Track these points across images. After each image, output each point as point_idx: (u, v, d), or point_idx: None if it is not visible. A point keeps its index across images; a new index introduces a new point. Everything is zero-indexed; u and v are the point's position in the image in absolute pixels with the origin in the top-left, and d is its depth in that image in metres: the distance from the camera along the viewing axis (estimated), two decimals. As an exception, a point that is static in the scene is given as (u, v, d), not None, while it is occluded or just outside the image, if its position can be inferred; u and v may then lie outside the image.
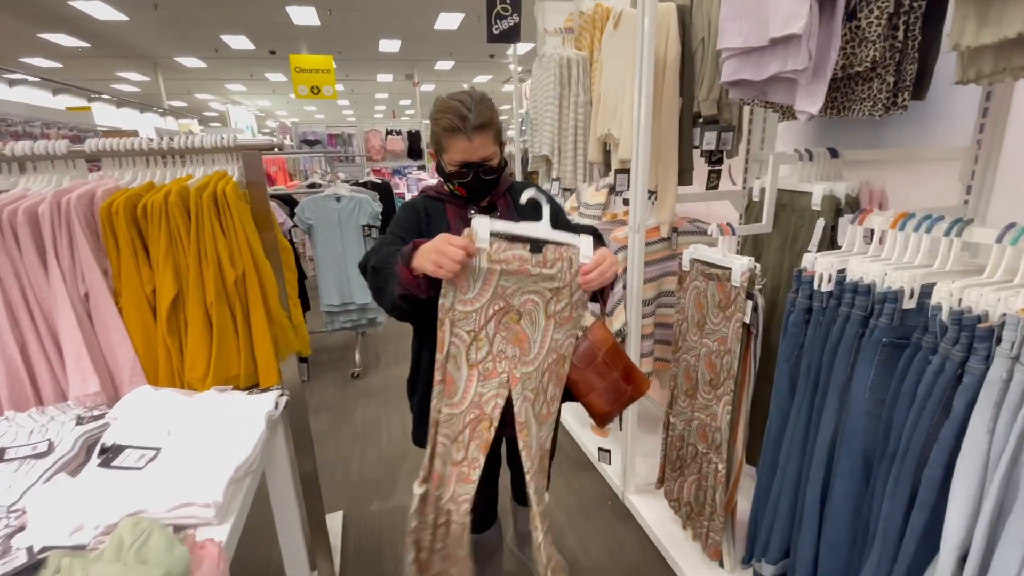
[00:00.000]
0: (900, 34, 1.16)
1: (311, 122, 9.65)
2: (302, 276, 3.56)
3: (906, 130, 1.45)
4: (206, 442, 1.01)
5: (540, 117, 2.59)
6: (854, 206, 1.39)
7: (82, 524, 0.79)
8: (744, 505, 1.71)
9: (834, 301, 1.08)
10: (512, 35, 2.71)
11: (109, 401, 1.18)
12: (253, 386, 1.32)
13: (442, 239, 1.01)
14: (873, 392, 1.00)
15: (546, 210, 1.10)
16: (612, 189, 2.27)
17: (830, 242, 1.40)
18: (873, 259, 1.07)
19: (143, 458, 0.98)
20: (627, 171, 1.92)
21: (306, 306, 3.63)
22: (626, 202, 2.05)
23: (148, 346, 1.22)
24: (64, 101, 9.00)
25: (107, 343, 1.19)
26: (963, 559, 0.85)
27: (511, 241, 1.06)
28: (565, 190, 2.60)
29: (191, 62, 10.96)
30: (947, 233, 0.97)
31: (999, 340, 0.79)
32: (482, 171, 1.19)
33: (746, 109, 1.94)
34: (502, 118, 1.40)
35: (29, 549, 0.74)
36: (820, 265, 1.10)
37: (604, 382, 1.20)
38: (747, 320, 1.39)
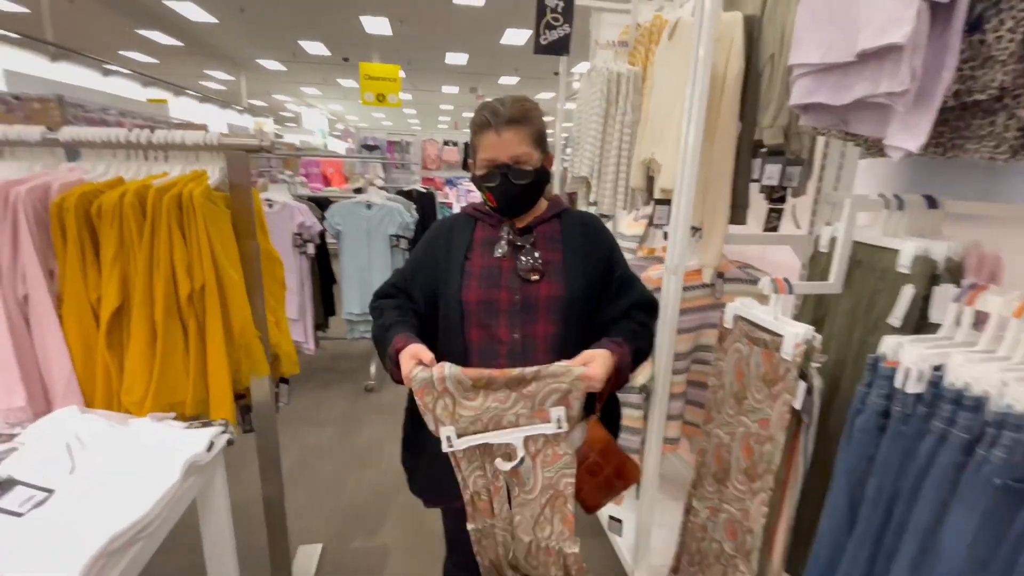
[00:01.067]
0: (1044, 53, 0.85)
1: (376, 128, 9.91)
2: (332, 280, 3.49)
3: (1034, 179, 1.11)
4: (104, 490, 0.85)
5: (582, 135, 2.37)
6: (956, 273, 1.07)
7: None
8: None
9: (923, 409, 0.78)
10: (561, 47, 2.51)
11: (36, 416, 1.05)
12: (201, 415, 1.16)
13: (404, 359, 0.98)
14: (974, 550, 0.70)
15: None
16: (651, 220, 2.00)
17: (919, 317, 1.08)
18: (986, 356, 0.77)
19: (29, 501, 0.83)
20: (668, 202, 1.66)
21: (331, 311, 3.57)
22: (666, 236, 1.78)
23: (88, 360, 1.09)
24: (152, 94, 9.70)
25: (43, 353, 1.07)
26: None
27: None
28: (602, 216, 2.35)
29: (271, 64, 11.57)
30: (1111, 336, 0.66)
31: None
32: (513, 173, 1.04)
33: (820, 140, 1.63)
34: (549, 131, 1.23)
35: None
36: (908, 356, 0.80)
37: (595, 480, 1.08)
38: (798, 406, 1.09)
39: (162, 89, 10.05)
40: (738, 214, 1.64)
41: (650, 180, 1.99)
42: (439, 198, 5.68)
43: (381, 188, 3.45)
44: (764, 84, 1.56)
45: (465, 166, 8.10)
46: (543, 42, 2.45)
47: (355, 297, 3.19)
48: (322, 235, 3.36)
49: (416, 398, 0.99)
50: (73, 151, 1.25)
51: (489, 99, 1.09)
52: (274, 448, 1.52)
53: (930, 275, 1.08)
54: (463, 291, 1.10)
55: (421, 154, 8.66)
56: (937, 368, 0.78)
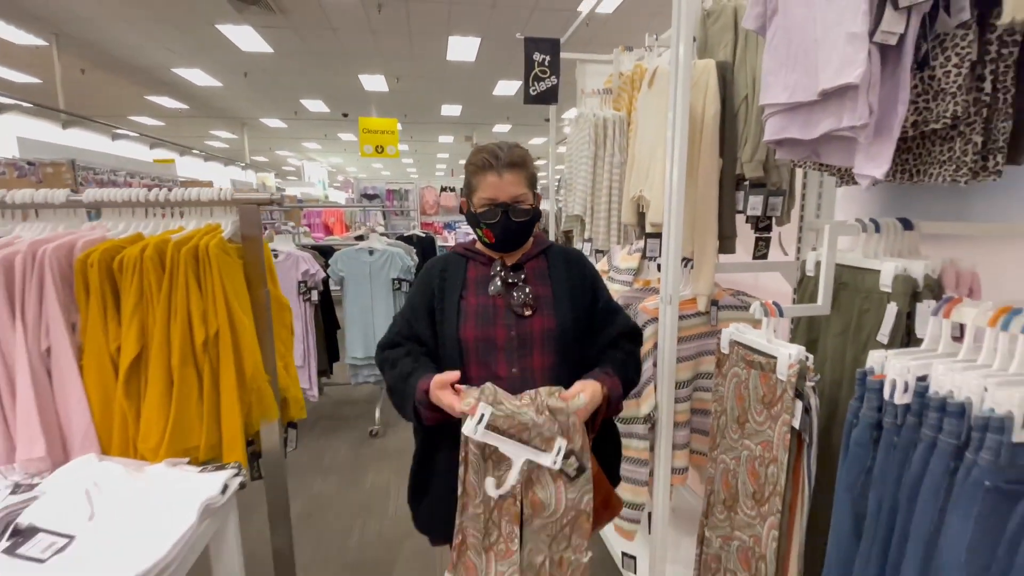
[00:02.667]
0: (987, 85, 0.94)
1: (375, 178, 10.21)
2: (336, 327, 3.53)
3: (1004, 199, 1.18)
4: (123, 535, 0.87)
5: (574, 177, 2.48)
6: (935, 290, 1.13)
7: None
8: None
9: (912, 418, 0.81)
10: (549, 97, 2.67)
11: (55, 465, 1.08)
12: (214, 459, 1.19)
13: (434, 387, 1.03)
14: (973, 554, 0.71)
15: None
16: (644, 253, 2.07)
17: (905, 333, 1.13)
18: (966, 365, 0.81)
19: (51, 548, 0.85)
20: (658, 235, 1.73)
21: (335, 357, 3.59)
22: (660, 268, 1.85)
23: (106, 409, 1.13)
24: (158, 154, 10.06)
25: (63, 403, 1.11)
26: None
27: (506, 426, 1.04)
28: (597, 251, 2.43)
29: (273, 123, 12.05)
30: (1076, 339, 0.70)
31: None
32: (512, 212, 1.11)
33: (799, 171, 1.72)
34: (541, 175, 1.33)
35: None
36: (893, 369, 0.84)
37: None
38: (796, 425, 1.12)
39: (168, 149, 10.44)
40: (726, 244, 1.71)
41: (641, 215, 2.08)
42: (438, 241, 5.81)
43: (382, 234, 3.55)
44: (741, 123, 1.67)
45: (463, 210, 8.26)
46: (533, 93, 2.60)
47: (359, 342, 3.22)
48: (325, 282, 3.44)
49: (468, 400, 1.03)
50: (94, 210, 1.33)
51: (486, 143, 1.17)
52: (283, 495, 1.52)
53: (911, 292, 1.13)
54: (460, 330, 1.15)
55: (420, 201, 8.88)
56: (922, 379, 0.82)
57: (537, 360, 1.12)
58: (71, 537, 0.87)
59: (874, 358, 0.91)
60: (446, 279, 1.19)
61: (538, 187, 1.19)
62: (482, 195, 1.12)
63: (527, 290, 1.14)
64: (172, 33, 6.57)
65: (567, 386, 1.09)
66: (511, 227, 1.13)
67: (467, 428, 1.00)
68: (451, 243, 8.66)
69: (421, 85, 9.14)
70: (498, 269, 1.17)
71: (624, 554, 1.89)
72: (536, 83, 2.58)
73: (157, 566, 0.81)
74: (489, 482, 1.06)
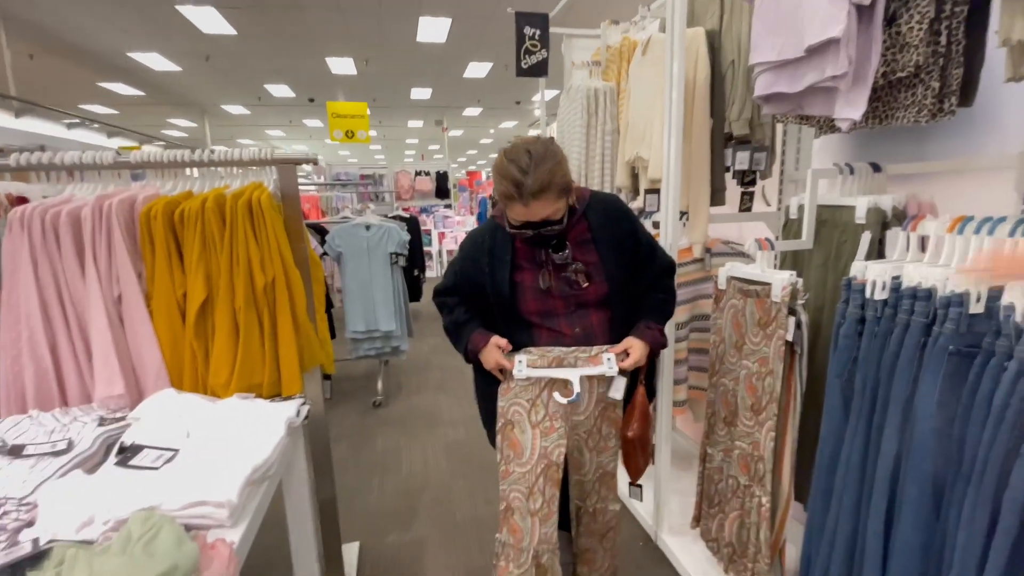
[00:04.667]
0: (943, 39, 1.13)
1: (344, 165, 10.05)
2: (329, 305, 3.59)
3: (953, 140, 1.39)
4: (224, 445, 0.98)
5: (568, 146, 2.61)
6: (901, 218, 1.33)
7: (92, 518, 0.76)
8: (793, 548, 1.57)
9: (890, 310, 1.00)
10: (540, 69, 2.78)
11: (132, 404, 1.17)
12: (276, 395, 1.29)
13: (490, 359, 1.27)
14: (941, 408, 0.91)
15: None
16: (641, 212, 2.23)
17: (877, 256, 1.32)
18: (931, 264, 1.00)
19: (160, 458, 0.95)
20: (657, 191, 1.90)
21: (332, 334, 3.65)
22: (655, 224, 2.01)
23: (175, 350, 1.22)
24: (118, 143, 9.64)
25: (135, 346, 1.19)
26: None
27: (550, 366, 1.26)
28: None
29: (236, 109, 11.66)
30: (1012, 233, 0.90)
31: (1090, 340, 0.71)
32: (544, 228, 1.18)
33: (779, 129, 1.91)
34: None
35: (35, 541, 0.70)
36: (872, 272, 1.03)
37: (645, 449, 1.39)
38: (790, 338, 1.30)
39: (127, 139, 10.01)
40: (717, 196, 1.89)
41: (634, 178, 2.24)
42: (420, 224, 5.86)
43: (374, 212, 3.62)
44: (728, 85, 1.84)
45: (442, 194, 8.33)
46: (524, 66, 2.71)
47: (359, 315, 3.30)
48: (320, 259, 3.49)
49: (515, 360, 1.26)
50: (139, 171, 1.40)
51: (505, 153, 1.14)
52: (324, 443, 1.63)
53: (881, 222, 1.33)
54: (520, 304, 1.28)
55: (394, 185, 8.84)
56: (896, 278, 1.01)
57: (595, 318, 1.29)
58: (176, 450, 0.97)
59: (856, 268, 1.10)
60: (495, 255, 1.26)
61: (570, 182, 1.19)
62: (514, 217, 1.17)
63: (575, 267, 1.25)
64: (128, 14, 6.29)
65: (623, 330, 1.28)
66: (547, 238, 1.22)
67: (516, 373, 1.23)
68: (428, 226, 8.70)
69: (390, 68, 9.02)
70: (543, 258, 1.25)
71: (631, 484, 2.08)
72: (527, 56, 2.69)
73: (266, 462, 0.92)
74: (556, 395, 1.25)
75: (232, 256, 1.21)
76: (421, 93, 10.94)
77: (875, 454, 1.02)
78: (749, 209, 1.98)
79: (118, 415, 1.11)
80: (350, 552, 2.04)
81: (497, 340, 1.26)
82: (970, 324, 0.88)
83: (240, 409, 1.12)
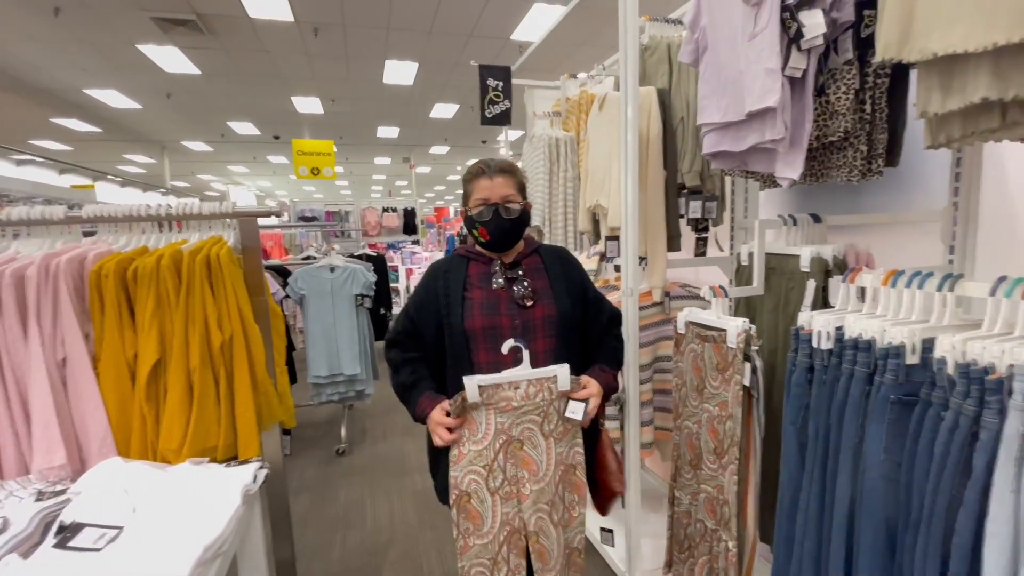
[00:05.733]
0: (868, 107, 1.24)
1: (309, 201, 9.95)
2: (291, 348, 3.49)
3: (885, 195, 1.51)
4: (174, 519, 0.93)
5: (532, 191, 2.69)
6: (842, 267, 1.42)
7: (23, 615, 0.70)
8: (761, 589, 1.58)
9: (835, 359, 1.06)
10: (503, 119, 2.88)
11: (74, 474, 1.10)
12: (231, 458, 1.24)
13: (432, 422, 1.20)
14: (888, 453, 0.95)
15: (526, 354, 1.22)
16: (603, 256, 2.30)
17: (823, 303, 1.40)
18: (869, 316, 1.07)
19: (103, 538, 0.89)
20: (617, 238, 1.96)
21: (293, 379, 3.53)
22: (617, 268, 2.08)
23: (123, 414, 1.16)
24: (70, 180, 9.28)
25: (79, 411, 1.13)
26: (1009, 640, 0.76)
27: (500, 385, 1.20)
28: (557, 259, 2.64)
29: (197, 146, 11.49)
30: (939, 288, 0.97)
31: (1011, 392, 0.76)
32: (503, 210, 1.26)
33: (728, 179, 2.03)
34: None
35: (-44, 646, 0.64)
36: (817, 323, 1.09)
37: (614, 473, 1.39)
38: (747, 383, 1.35)
39: (80, 175, 9.65)
40: (673, 243, 1.97)
41: (595, 223, 2.32)
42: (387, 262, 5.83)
43: (339, 254, 3.59)
44: (679, 140, 1.95)
45: (409, 230, 8.34)
46: (488, 116, 2.81)
47: (322, 360, 3.22)
48: (281, 303, 3.41)
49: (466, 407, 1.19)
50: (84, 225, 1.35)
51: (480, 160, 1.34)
52: (283, 501, 1.57)
53: (824, 271, 1.42)
54: (467, 320, 1.28)
55: (361, 221, 8.78)
56: (839, 328, 1.07)
57: (540, 344, 1.28)
58: (120, 528, 0.91)
59: (802, 318, 1.16)
60: (449, 278, 1.32)
61: (527, 195, 1.35)
62: (476, 197, 1.28)
63: (526, 283, 1.30)
64: (87, 53, 6.20)
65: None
66: (503, 225, 1.28)
67: (469, 396, 1.16)
68: (396, 262, 8.65)
69: (357, 107, 9.13)
70: (498, 267, 1.32)
71: (602, 529, 2.06)
72: (491, 106, 2.79)
73: (219, 539, 0.87)
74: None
75: (188, 314, 1.18)
76: (388, 132, 11.08)
77: (831, 500, 1.06)
78: (703, 254, 2.06)
79: (58, 488, 1.04)
80: (311, 617, 1.92)
81: (443, 406, 1.20)
82: (908, 374, 0.94)
83: (192, 476, 1.07)
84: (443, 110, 9.39)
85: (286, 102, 8.64)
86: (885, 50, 0.97)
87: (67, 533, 0.90)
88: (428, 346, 1.32)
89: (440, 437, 1.18)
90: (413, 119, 9.99)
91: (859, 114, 1.25)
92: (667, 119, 1.95)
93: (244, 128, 10.19)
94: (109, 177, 10.53)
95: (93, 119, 8.89)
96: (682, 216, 2.01)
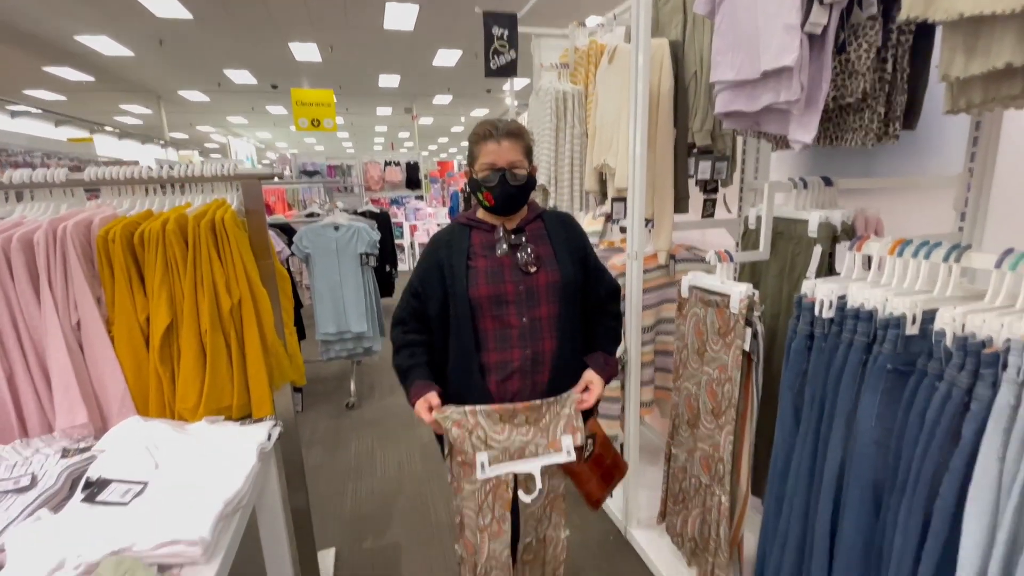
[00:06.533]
0: (889, 66, 1.19)
1: (311, 154, 9.78)
2: (298, 305, 3.54)
3: (899, 159, 1.47)
4: (195, 476, 0.97)
5: (538, 148, 2.63)
6: (850, 233, 1.40)
7: (62, 562, 0.76)
8: (751, 540, 1.66)
9: (836, 328, 1.07)
10: (509, 70, 2.77)
11: (96, 432, 1.15)
12: (246, 417, 1.29)
13: (419, 408, 1.21)
14: (880, 421, 0.98)
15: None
16: (608, 217, 2.28)
17: (828, 269, 1.40)
18: (873, 285, 1.07)
19: (128, 493, 0.94)
20: (624, 199, 1.94)
21: (301, 335, 3.60)
22: (623, 230, 2.06)
23: (139, 376, 1.19)
24: (66, 133, 9.13)
25: (97, 373, 1.16)
26: (981, 595, 0.81)
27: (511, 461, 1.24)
28: (562, 219, 2.62)
29: (194, 96, 11.18)
30: (946, 259, 0.97)
31: (1005, 366, 0.78)
32: (509, 176, 1.24)
33: (740, 139, 1.97)
34: None
35: (4, 591, 0.70)
36: (820, 291, 1.10)
37: (601, 469, 1.38)
38: (747, 348, 1.37)
39: (76, 127, 9.48)
40: (681, 204, 1.95)
41: (602, 183, 2.28)
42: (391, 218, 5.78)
43: (343, 210, 3.56)
44: (691, 96, 1.89)
45: (412, 184, 8.22)
46: (493, 67, 2.70)
47: (329, 317, 3.26)
48: (287, 261, 3.43)
49: (450, 431, 1.21)
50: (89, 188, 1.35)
51: (487, 120, 1.31)
52: (298, 454, 1.63)
53: (832, 236, 1.40)
54: (471, 289, 1.28)
55: (363, 176, 8.66)
56: (841, 297, 1.07)
57: (544, 310, 1.29)
58: (144, 483, 0.96)
59: (806, 286, 1.16)
60: (452, 247, 1.31)
61: (533, 159, 1.33)
62: (483, 161, 1.25)
63: (529, 250, 1.29)
64: (75, -3, 5.94)
65: (569, 331, 1.28)
66: (508, 190, 1.26)
67: (478, 474, 1.21)
68: (400, 219, 8.59)
69: (357, 54, 8.79)
70: (501, 234, 1.31)
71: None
72: (496, 57, 2.68)
73: (238, 494, 0.92)
74: (521, 495, 1.26)
75: (196, 279, 1.19)
76: (389, 81, 10.71)
77: (822, 462, 1.10)
78: (711, 215, 2.04)
79: (82, 446, 1.10)
80: (326, 559, 2.05)
81: (430, 399, 1.23)
82: (906, 344, 0.95)
83: (209, 435, 1.12)
84: (446, 57, 9.04)
85: (283, 49, 8.32)
86: (911, 8, 0.92)
87: (94, 488, 0.95)
88: (433, 318, 1.32)
89: (420, 415, 1.23)
90: (415, 67, 9.63)
91: (879, 73, 1.20)
92: (679, 74, 1.88)
93: (241, 77, 9.88)
94: (106, 129, 10.34)
95: (86, 67, 8.63)
96: (690, 177, 1.97)
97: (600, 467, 1.40)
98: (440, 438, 1.35)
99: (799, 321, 1.15)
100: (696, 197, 2.04)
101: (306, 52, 8.53)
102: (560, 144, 2.52)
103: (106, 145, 10.75)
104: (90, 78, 9.22)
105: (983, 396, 0.80)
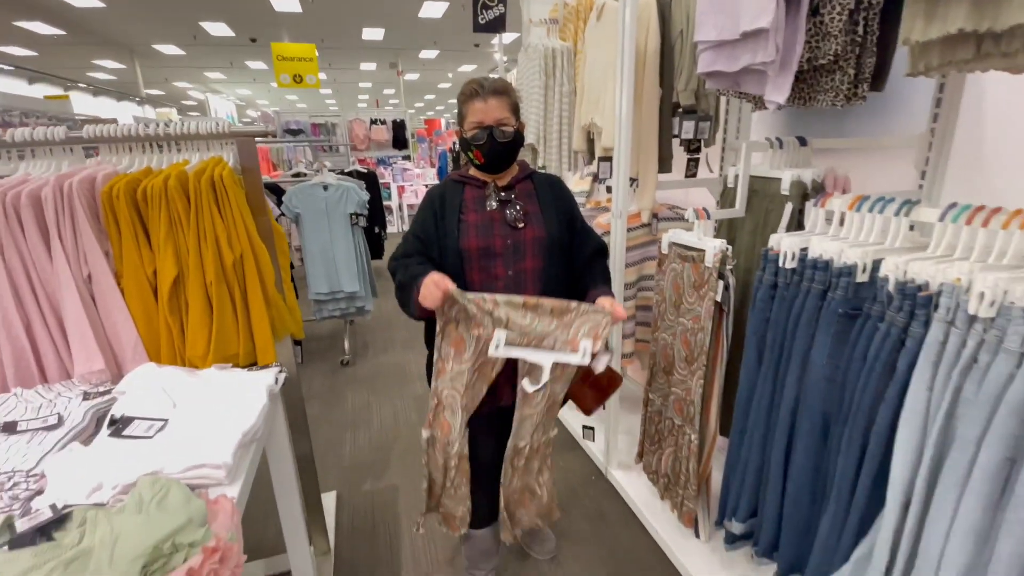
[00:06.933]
0: (860, 29, 1.24)
1: (293, 111, 9.51)
2: (291, 266, 3.58)
3: (870, 120, 1.54)
4: (212, 412, 1.07)
5: (526, 107, 2.64)
6: (820, 191, 1.49)
7: (100, 484, 0.85)
8: (717, 477, 1.82)
9: (797, 277, 1.17)
10: (497, 25, 2.75)
11: (113, 379, 1.23)
12: (251, 364, 1.37)
13: (429, 283, 1.19)
14: (831, 359, 1.10)
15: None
16: (595, 177, 2.34)
17: (798, 225, 1.49)
18: (832, 238, 1.16)
19: (152, 428, 1.03)
20: (610, 159, 1.99)
21: (294, 295, 3.67)
22: (609, 189, 2.12)
23: (149, 325, 1.27)
24: (41, 90, 8.79)
25: (110, 323, 1.23)
26: (907, 505, 0.95)
27: (522, 348, 1.25)
28: (550, 178, 2.67)
29: (169, 49, 10.74)
30: (896, 214, 1.06)
31: (936, 307, 0.88)
32: (497, 133, 1.29)
33: (723, 99, 2.02)
34: None
35: (52, 506, 0.79)
36: (785, 244, 1.19)
37: (597, 387, 1.48)
38: (719, 299, 1.47)
39: (51, 84, 9.10)
40: (665, 164, 2.01)
41: (590, 142, 2.32)
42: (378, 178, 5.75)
43: (331, 171, 3.56)
44: (677, 56, 1.92)
45: (399, 144, 8.09)
46: (481, 21, 2.67)
47: (322, 277, 3.32)
48: (277, 220, 3.45)
49: (466, 306, 1.20)
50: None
51: (474, 78, 1.34)
52: (299, 403, 1.73)
53: (803, 194, 1.49)
54: (461, 240, 1.36)
55: (348, 135, 8.50)
56: (804, 249, 1.17)
57: (529, 263, 1.37)
58: (165, 420, 1.05)
59: (773, 240, 1.26)
60: (445, 201, 1.38)
61: (520, 115, 1.38)
62: (471, 119, 1.30)
63: (518, 207, 1.36)
64: (38, -60, 5.61)
65: (553, 286, 1.37)
66: (497, 147, 1.32)
67: (492, 351, 1.21)
68: (387, 178, 8.49)
69: (339, 5, 8.45)
70: (492, 190, 1.37)
71: (584, 427, 2.30)
72: (484, 11, 2.65)
73: (253, 428, 1.02)
74: (525, 382, 1.27)
75: (200, 234, 1.25)
76: (373, 34, 10.35)
77: (779, 397, 1.22)
78: (694, 175, 2.11)
79: (101, 390, 1.18)
80: (329, 500, 2.20)
81: (446, 279, 1.20)
82: (857, 291, 1.05)
83: (220, 379, 1.20)
84: (432, 8, 8.73)
85: (261, 0, 7.98)
86: (880, -28, 0.97)
87: (119, 424, 1.04)
88: (437, 263, 1.39)
89: (429, 294, 1.19)
90: (400, 19, 9.30)
91: (851, 35, 1.25)
92: (666, 33, 1.90)
93: (218, 29, 9.48)
94: (80, 85, 9.95)
95: (57, 20, 8.22)
96: (675, 136, 2.03)
97: (597, 385, 1.50)
98: (430, 324, 1.34)
99: (764, 272, 1.25)
100: (680, 157, 2.10)
101: (286, 3, 8.19)
102: (549, 102, 2.54)
103: (82, 103, 10.36)
104: (62, 32, 8.80)
105: (916, 334, 0.91)
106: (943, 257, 0.96)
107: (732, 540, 1.47)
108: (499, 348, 1.21)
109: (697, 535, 1.79)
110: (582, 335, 1.24)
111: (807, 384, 1.14)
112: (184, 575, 0.65)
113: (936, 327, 0.88)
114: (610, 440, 2.24)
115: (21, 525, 0.76)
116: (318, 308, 3.48)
